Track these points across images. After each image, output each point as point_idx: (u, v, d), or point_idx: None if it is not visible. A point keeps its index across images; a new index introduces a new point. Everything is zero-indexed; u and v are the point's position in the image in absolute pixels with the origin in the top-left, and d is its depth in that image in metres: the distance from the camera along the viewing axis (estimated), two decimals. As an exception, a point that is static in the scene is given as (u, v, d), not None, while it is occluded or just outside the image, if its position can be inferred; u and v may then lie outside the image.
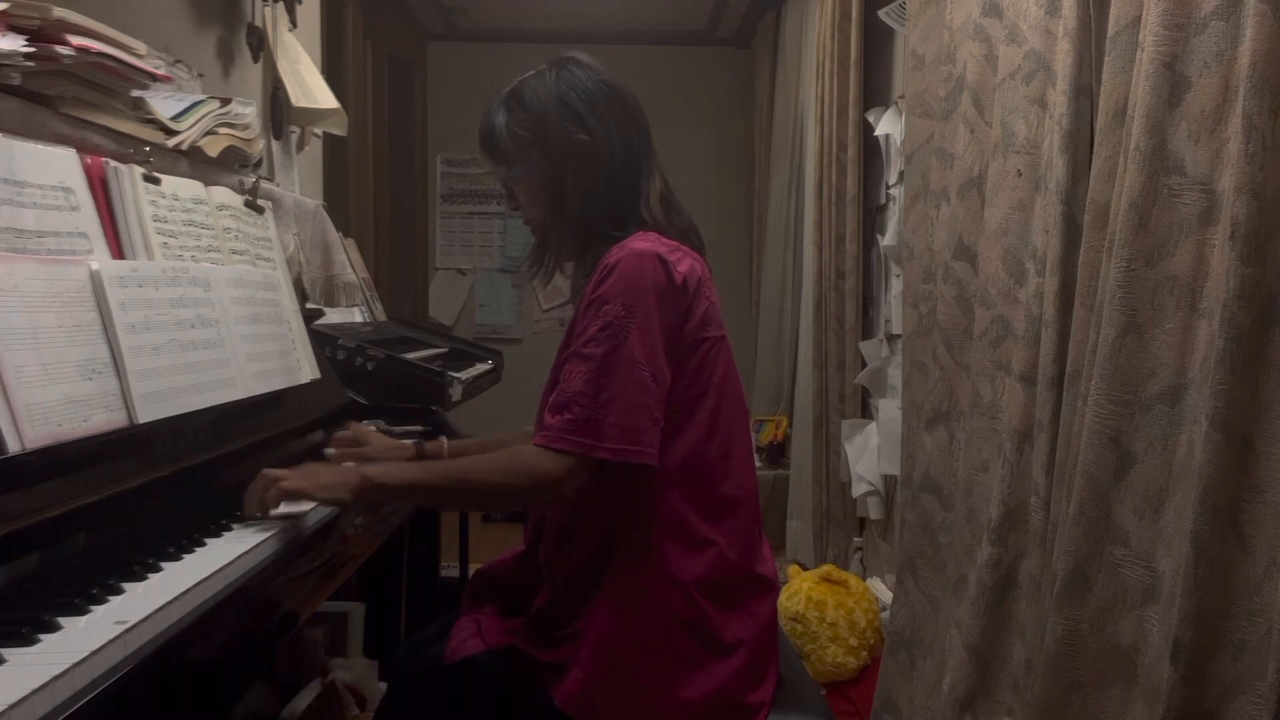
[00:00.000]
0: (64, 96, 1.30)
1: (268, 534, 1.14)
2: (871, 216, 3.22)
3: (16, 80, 1.19)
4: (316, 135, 2.84)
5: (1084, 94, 1.64)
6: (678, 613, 1.23)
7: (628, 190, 1.33)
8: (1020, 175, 1.79)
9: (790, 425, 3.97)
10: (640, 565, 1.24)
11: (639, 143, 1.35)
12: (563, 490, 1.20)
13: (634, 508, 1.24)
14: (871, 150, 3.14)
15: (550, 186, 1.33)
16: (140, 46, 1.42)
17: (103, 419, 1.10)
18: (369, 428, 1.58)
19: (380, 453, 1.50)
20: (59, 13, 1.24)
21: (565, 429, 1.18)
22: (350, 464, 1.41)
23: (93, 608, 0.88)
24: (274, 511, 1.20)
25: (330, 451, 1.52)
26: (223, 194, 1.63)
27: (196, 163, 1.64)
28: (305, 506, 1.24)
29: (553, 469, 1.19)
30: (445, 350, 2.65)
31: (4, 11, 1.19)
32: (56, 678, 0.74)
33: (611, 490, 1.24)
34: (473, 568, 1.45)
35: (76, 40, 1.25)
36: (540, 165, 1.32)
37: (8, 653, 0.78)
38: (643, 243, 1.25)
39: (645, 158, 1.35)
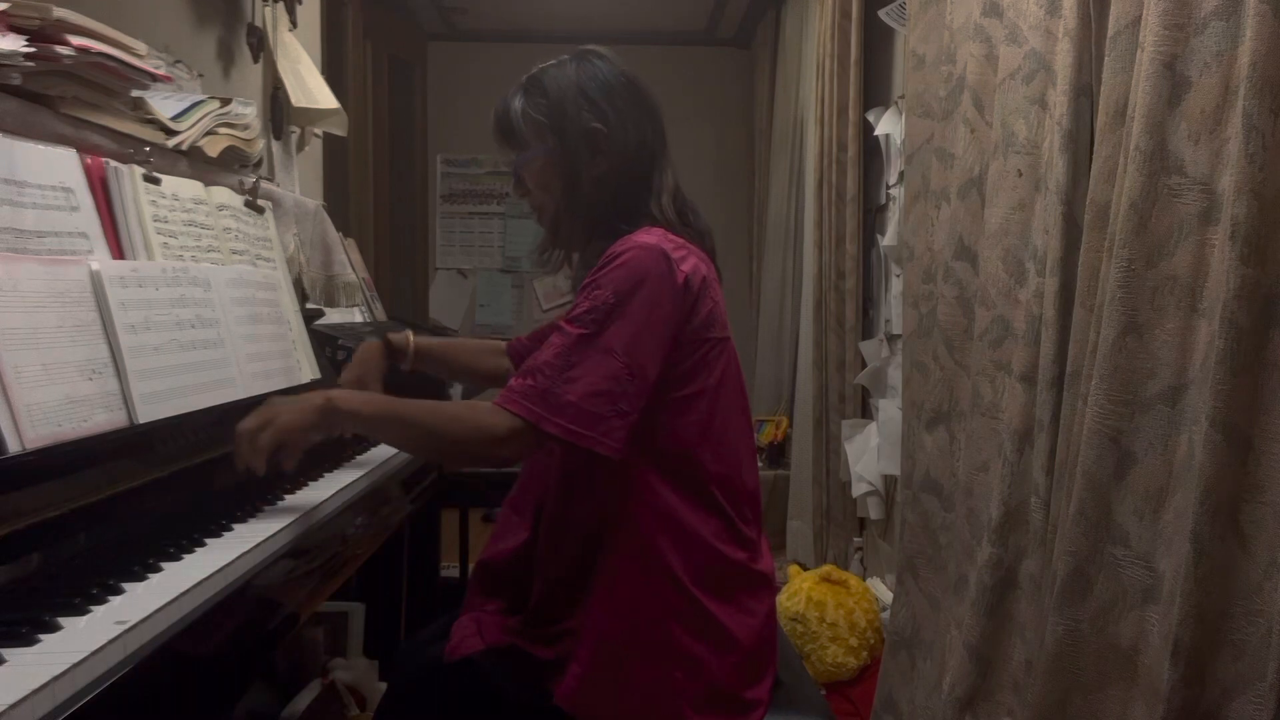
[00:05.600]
0: (64, 96, 1.30)
1: (268, 534, 1.14)
2: (871, 216, 3.22)
3: (16, 80, 1.19)
4: (316, 135, 2.84)
5: (1084, 94, 1.64)
6: (673, 606, 1.23)
7: (639, 183, 1.33)
8: (1020, 175, 1.79)
9: (790, 425, 3.97)
10: (634, 559, 1.24)
11: (653, 139, 1.35)
12: (503, 450, 1.19)
13: (625, 502, 1.24)
14: (871, 150, 3.14)
15: (563, 173, 1.33)
16: (140, 46, 1.42)
17: (103, 419, 1.10)
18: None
19: (353, 371, 1.57)
20: (59, 13, 1.24)
21: (523, 393, 1.19)
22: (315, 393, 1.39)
23: (93, 608, 0.88)
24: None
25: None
26: (223, 194, 1.63)
27: (196, 163, 1.64)
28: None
29: (497, 427, 1.18)
30: (445, 350, 2.64)
31: (4, 11, 1.19)
32: (57, 678, 0.74)
33: (597, 484, 1.24)
34: (477, 560, 1.44)
35: (76, 40, 1.25)
36: (554, 151, 1.32)
37: (8, 653, 0.78)
38: (649, 237, 1.25)
39: (659, 154, 1.35)
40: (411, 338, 1.64)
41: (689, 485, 1.26)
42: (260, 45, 2.46)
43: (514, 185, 1.39)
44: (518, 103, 1.35)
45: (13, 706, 0.69)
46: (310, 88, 2.55)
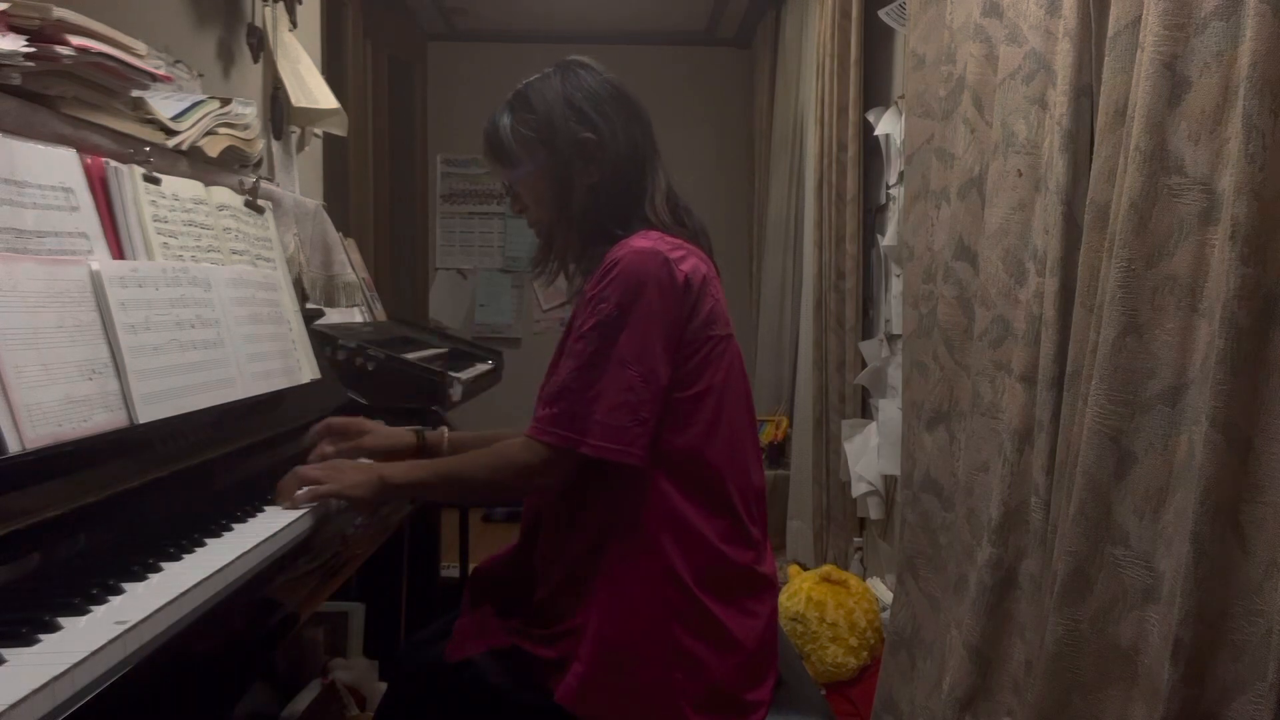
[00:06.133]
0: (64, 96, 1.30)
1: (268, 534, 1.14)
2: (871, 216, 3.22)
3: (16, 80, 1.19)
4: (316, 135, 2.84)
5: (1084, 94, 1.64)
6: (675, 607, 1.23)
7: (633, 188, 1.33)
8: (1020, 175, 1.79)
9: (790, 425, 3.97)
10: (637, 559, 1.24)
11: (643, 142, 1.35)
12: (546, 479, 1.26)
13: (629, 502, 1.25)
14: (871, 150, 3.14)
15: (556, 185, 1.33)
16: (140, 46, 1.42)
17: (103, 419, 1.10)
18: (364, 419, 1.57)
19: (382, 442, 1.50)
20: (59, 13, 1.24)
21: (552, 422, 1.22)
22: (369, 462, 1.42)
23: (93, 608, 0.88)
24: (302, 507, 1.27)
25: (329, 449, 1.51)
26: (223, 194, 1.63)
27: (196, 163, 1.64)
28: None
29: (536, 460, 1.23)
30: (445, 350, 2.65)
31: (4, 11, 1.19)
32: (57, 678, 0.74)
33: (602, 484, 1.25)
34: (473, 568, 1.46)
35: (76, 40, 1.25)
36: (546, 164, 1.33)
37: (8, 653, 0.78)
38: (645, 241, 1.25)
39: (650, 158, 1.36)
40: (446, 435, 1.55)
41: (696, 485, 1.26)
42: (260, 45, 2.46)
43: (510, 203, 1.40)
44: (505, 120, 1.35)
45: (13, 706, 0.69)
46: (310, 88, 2.55)
